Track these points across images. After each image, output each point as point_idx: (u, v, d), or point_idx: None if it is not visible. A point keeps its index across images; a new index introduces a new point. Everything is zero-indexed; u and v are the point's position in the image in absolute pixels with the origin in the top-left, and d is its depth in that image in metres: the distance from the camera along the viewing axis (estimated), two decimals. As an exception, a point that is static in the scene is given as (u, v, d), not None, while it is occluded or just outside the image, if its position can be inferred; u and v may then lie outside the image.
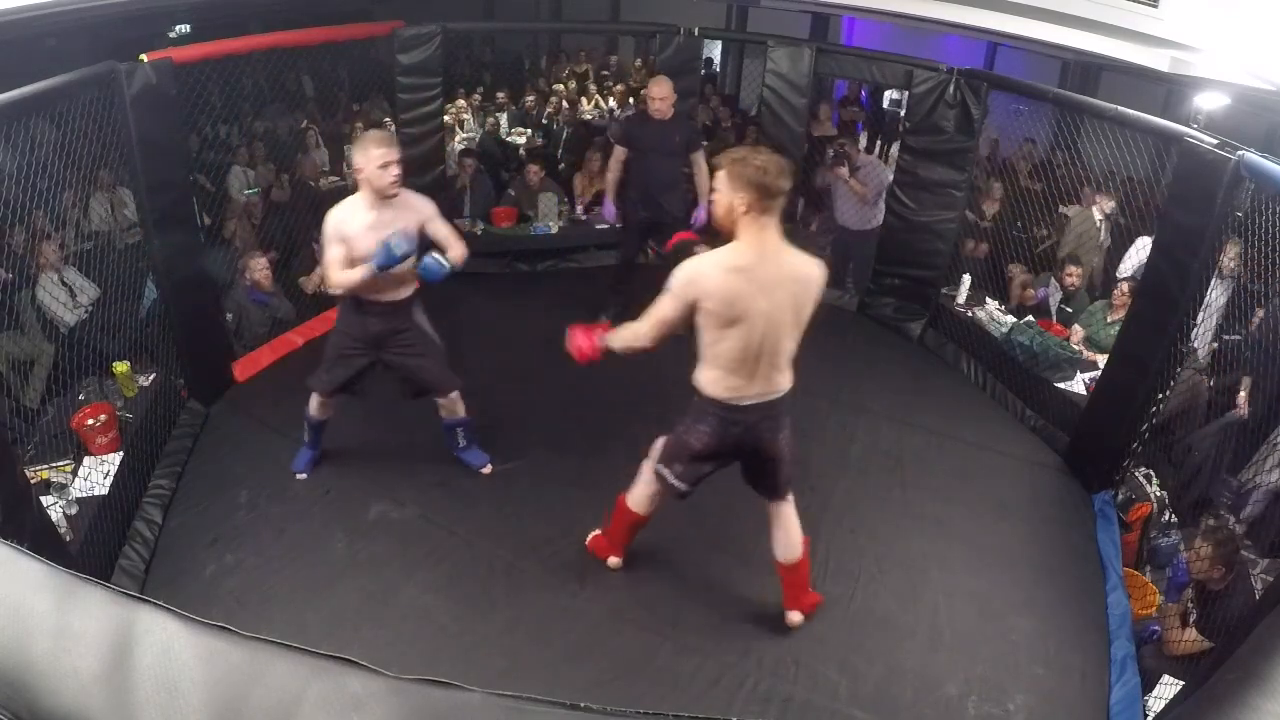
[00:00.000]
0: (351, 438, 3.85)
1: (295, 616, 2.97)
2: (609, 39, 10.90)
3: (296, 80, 7.43)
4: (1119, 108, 3.81)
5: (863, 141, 7.98)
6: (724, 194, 2.35)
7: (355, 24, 5.32)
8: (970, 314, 4.97)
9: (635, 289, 5.10)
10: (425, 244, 3.17)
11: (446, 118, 5.99)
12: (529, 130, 7.89)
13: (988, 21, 5.79)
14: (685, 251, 2.88)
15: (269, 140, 6.27)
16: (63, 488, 3.12)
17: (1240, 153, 3.09)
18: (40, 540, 2.49)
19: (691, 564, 3.22)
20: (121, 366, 3.72)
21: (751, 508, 2.92)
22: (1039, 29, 5.62)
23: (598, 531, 3.26)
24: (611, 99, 8.57)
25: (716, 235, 2.51)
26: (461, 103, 7.89)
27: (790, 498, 2.81)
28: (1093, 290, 5.12)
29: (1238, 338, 4.23)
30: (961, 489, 3.87)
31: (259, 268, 4.57)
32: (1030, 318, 4.85)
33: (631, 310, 4.90)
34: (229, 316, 4.44)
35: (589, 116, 8.25)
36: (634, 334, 2.53)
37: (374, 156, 2.92)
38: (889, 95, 8.93)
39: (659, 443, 2.80)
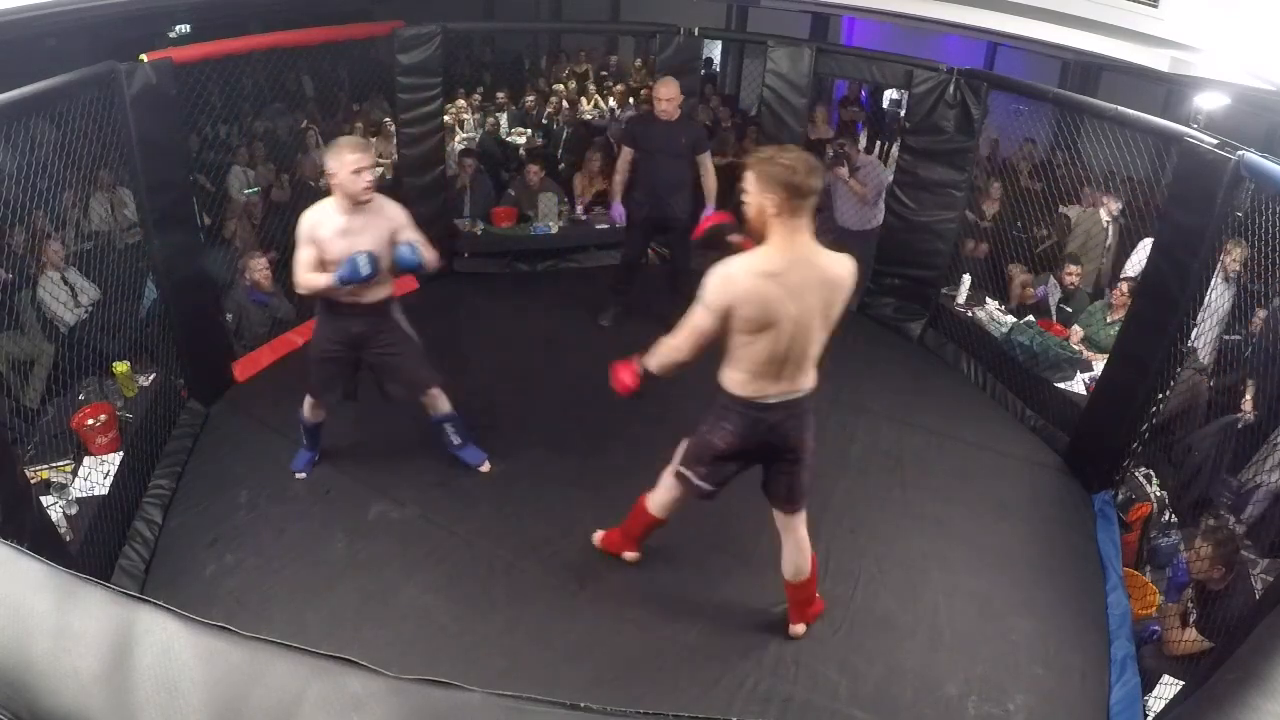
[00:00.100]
0: (351, 438, 3.85)
1: (295, 616, 2.97)
2: (609, 39, 10.90)
3: (296, 80, 7.43)
4: (1119, 108, 3.81)
5: (862, 141, 7.97)
6: (753, 195, 2.29)
7: (355, 24, 5.32)
8: (970, 314, 4.97)
9: (637, 290, 5.12)
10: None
11: (446, 118, 5.99)
12: (529, 130, 7.89)
13: (988, 21, 5.79)
14: (719, 235, 2.84)
15: (269, 140, 6.27)
16: (63, 488, 3.12)
17: (1240, 153, 3.09)
18: (40, 540, 2.49)
19: (691, 564, 3.22)
20: (121, 366, 3.72)
21: (751, 508, 2.92)
22: (1039, 29, 5.61)
23: (603, 532, 3.25)
24: (611, 99, 8.57)
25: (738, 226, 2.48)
26: (461, 103, 7.89)
27: (804, 512, 2.77)
28: (1100, 291, 5.11)
29: (1237, 338, 4.23)
30: (961, 489, 3.87)
31: (259, 268, 4.57)
32: (1030, 317, 4.85)
33: (634, 312, 4.92)
34: (229, 316, 4.44)
35: (589, 116, 8.25)
36: (670, 349, 2.47)
37: (347, 162, 2.91)
38: (889, 95, 8.93)
39: (681, 446, 2.76)
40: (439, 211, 5.55)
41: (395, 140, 5.50)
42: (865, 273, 5.44)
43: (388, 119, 6.48)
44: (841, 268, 2.37)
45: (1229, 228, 3.28)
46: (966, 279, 5.06)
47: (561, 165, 6.88)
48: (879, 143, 8.27)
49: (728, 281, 2.29)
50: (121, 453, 3.42)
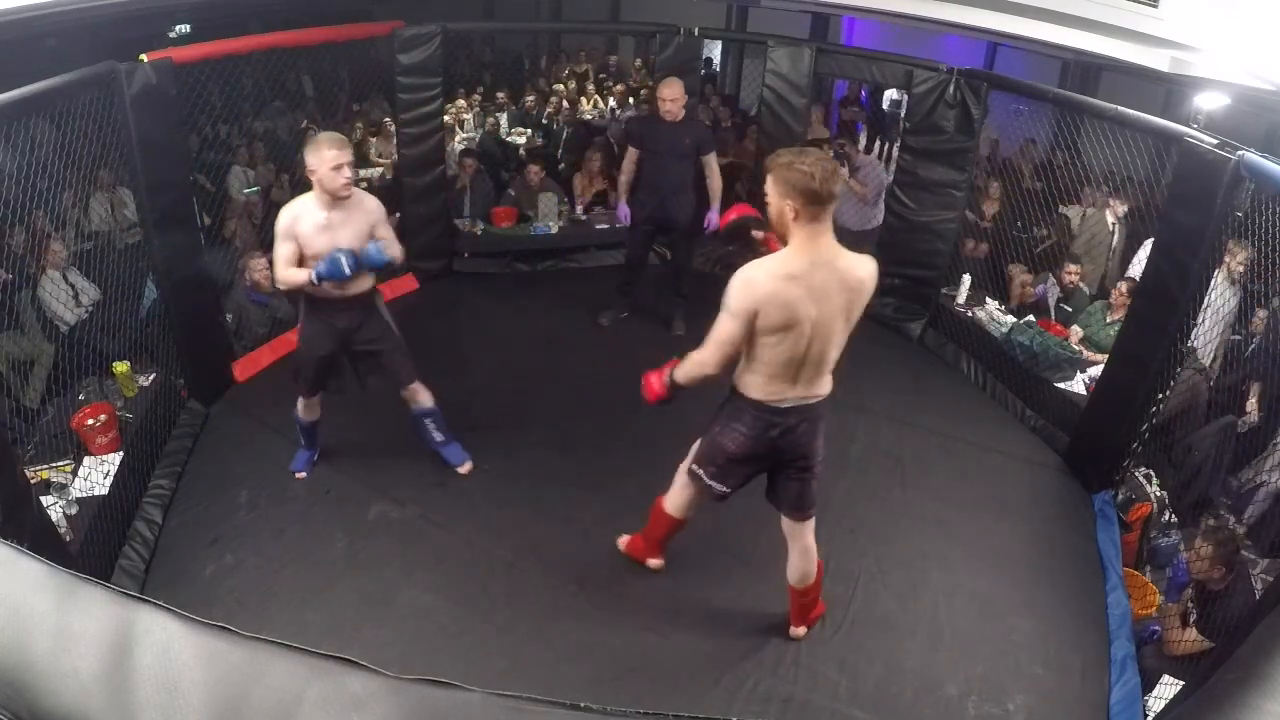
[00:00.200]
0: (351, 437, 3.85)
1: (295, 616, 2.97)
2: (609, 39, 10.90)
3: (296, 80, 7.43)
4: (1119, 108, 3.81)
5: (862, 141, 7.97)
6: (773, 200, 2.28)
7: (355, 24, 5.32)
8: (970, 314, 4.97)
9: (641, 291, 5.12)
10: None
11: (446, 118, 5.99)
12: (529, 130, 7.89)
13: (988, 21, 5.78)
14: (743, 228, 2.82)
15: (269, 140, 6.27)
16: (63, 488, 3.12)
17: (1240, 153, 3.09)
18: (40, 540, 2.49)
19: (691, 564, 3.22)
20: (121, 366, 3.72)
21: (751, 509, 2.91)
22: (1039, 29, 5.61)
23: (628, 537, 3.24)
24: (611, 99, 8.57)
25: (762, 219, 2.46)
26: (461, 103, 7.89)
27: (813, 520, 2.75)
28: (1105, 293, 5.10)
29: (1238, 338, 4.23)
30: (961, 489, 3.87)
31: (259, 268, 4.57)
32: (1030, 317, 4.86)
33: (634, 312, 4.92)
34: (229, 316, 4.44)
35: (589, 116, 8.25)
36: (698, 363, 2.44)
37: (326, 158, 2.92)
38: (889, 96, 8.92)
39: (694, 445, 2.75)
40: (439, 211, 5.56)
41: (395, 140, 5.50)
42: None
43: (388, 119, 6.48)
44: (864, 270, 2.35)
45: (1229, 228, 3.27)
46: (966, 279, 5.06)
47: (561, 165, 6.88)
48: (882, 144, 8.25)
49: (750, 285, 2.27)
50: (121, 453, 3.42)
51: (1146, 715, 2.69)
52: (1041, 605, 3.21)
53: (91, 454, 3.37)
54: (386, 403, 3.61)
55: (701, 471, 2.68)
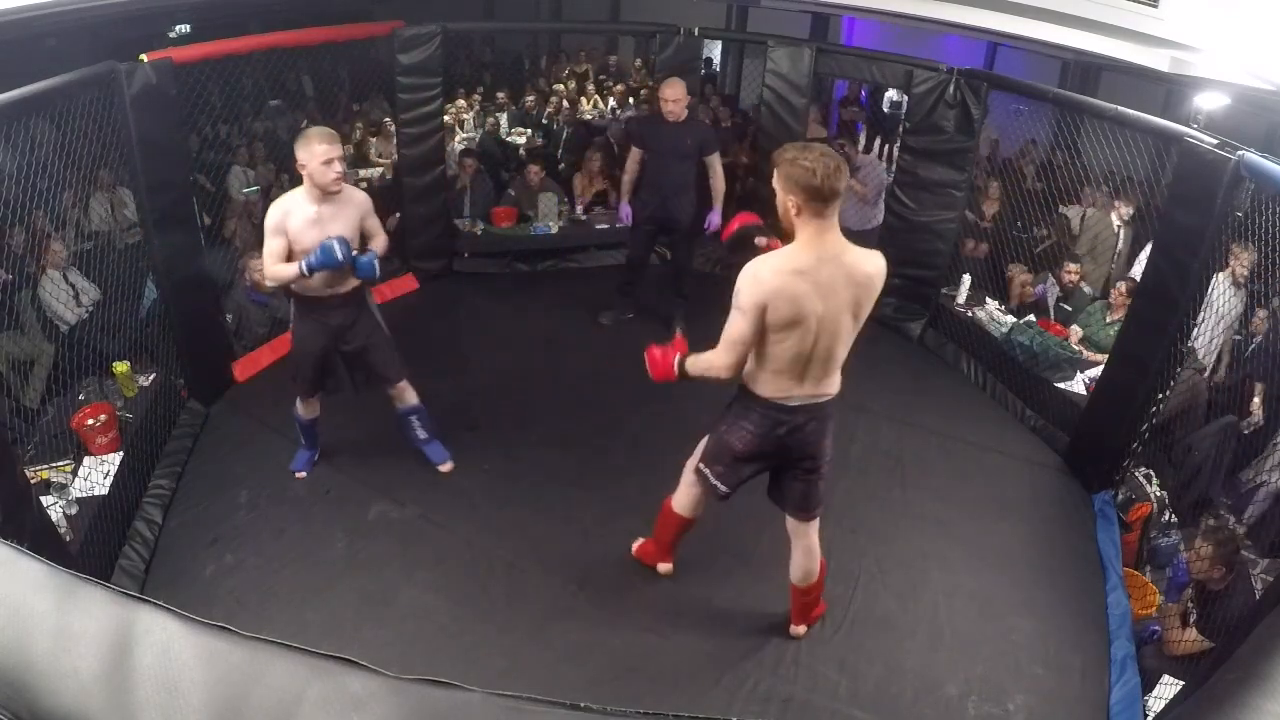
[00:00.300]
0: (351, 437, 3.85)
1: (295, 616, 2.97)
2: (609, 39, 10.89)
3: (296, 80, 7.42)
4: (1119, 108, 3.81)
5: (861, 141, 7.96)
6: (779, 195, 2.29)
7: (355, 24, 5.32)
8: (970, 314, 4.97)
9: (642, 291, 5.12)
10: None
11: (446, 118, 5.99)
12: (529, 130, 7.89)
13: (988, 21, 5.78)
14: (747, 237, 2.79)
15: (269, 140, 6.27)
16: (63, 488, 3.12)
17: (1240, 153, 3.09)
18: (40, 540, 2.49)
19: (691, 564, 3.22)
20: (121, 366, 3.72)
21: (752, 508, 2.91)
22: (1039, 29, 5.61)
23: (642, 540, 3.23)
24: (611, 99, 8.57)
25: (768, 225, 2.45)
26: (461, 103, 7.89)
27: (818, 520, 2.74)
28: (1109, 294, 5.09)
29: (1238, 338, 4.23)
30: (961, 489, 3.87)
31: (259, 268, 4.56)
32: (1031, 317, 4.86)
33: (638, 313, 4.90)
34: (229, 316, 4.44)
35: (589, 116, 8.25)
36: (710, 365, 2.41)
37: (317, 153, 2.92)
38: (888, 97, 8.92)
39: (700, 444, 2.74)
40: (439, 211, 5.55)
41: (395, 140, 5.50)
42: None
43: (388, 119, 6.48)
44: (872, 265, 2.33)
45: (1229, 228, 3.27)
46: (966, 279, 5.06)
47: (561, 165, 6.87)
48: (883, 145, 8.24)
49: (757, 281, 2.26)
50: (121, 453, 3.42)
51: (1146, 715, 2.69)
52: (1041, 605, 3.21)
53: (91, 454, 3.37)
54: (386, 403, 3.60)
55: (708, 470, 2.67)
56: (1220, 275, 3.93)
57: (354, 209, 3.13)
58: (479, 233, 5.84)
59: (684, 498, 2.87)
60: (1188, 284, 3.34)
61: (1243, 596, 2.77)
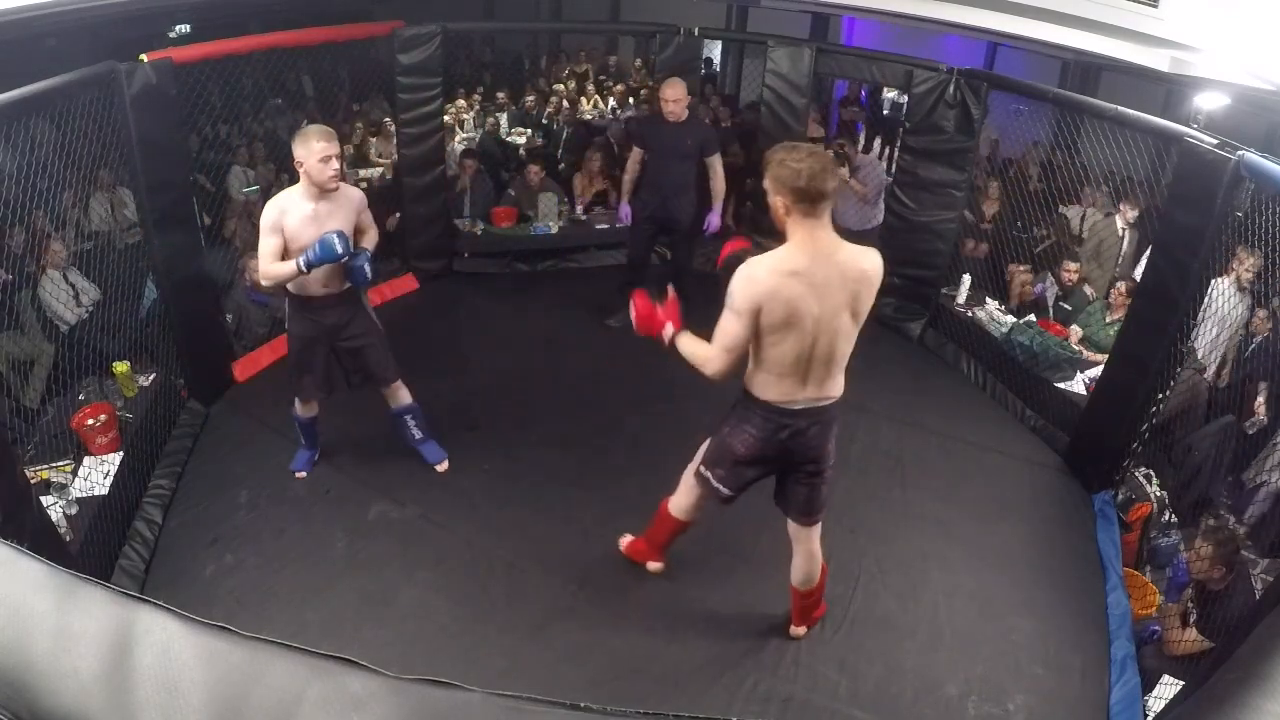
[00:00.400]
0: (351, 437, 3.85)
1: (295, 616, 2.97)
2: (609, 39, 10.89)
3: (296, 80, 7.42)
4: (1119, 108, 3.81)
5: (861, 141, 7.96)
6: (769, 196, 2.28)
7: (355, 24, 5.32)
8: (970, 314, 4.97)
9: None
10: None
11: (446, 118, 5.99)
12: (529, 130, 7.89)
13: (988, 21, 5.78)
14: (739, 262, 2.80)
15: (269, 140, 6.27)
16: (63, 488, 3.12)
17: (1240, 153, 3.09)
18: (40, 540, 2.49)
19: (691, 564, 3.22)
20: (121, 366, 3.72)
21: (752, 508, 2.91)
22: (1039, 29, 5.61)
23: (630, 537, 3.23)
24: (611, 99, 8.57)
25: (759, 244, 2.44)
26: (461, 103, 7.89)
27: (820, 523, 2.72)
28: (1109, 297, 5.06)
29: (1239, 335, 4.22)
30: (961, 489, 3.87)
31: (258, 267, 4.57)
32: (1031, 317, 4.86)
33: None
34: (229, 316, 4.44)
35: (589, 116, 8.25)
36: (699, 361, 2.39)
37: (315, 150, 2.93)
38: (889, 99, 8.91)
39: (702, 447, 2.73)
40: (439, 211, 5.55)
41: (395, 140, 5.51)
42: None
43: (388, 119, 6.48)
44: (867, 262, 2.33)
45: (1229, 228, 3.27)
46: (966, 279, 5.06)
47: (561, 165, 6.87)
48: (883, 146, 8.23)
49: (751, 282, 2.25)
50: (121, 453, 3.42)
51: (1146, 715, 2.69)
52: (1041, 605, 3.21)
53: (91, 454, 3.37)
54: (385, 403, 3.60)
55: (710, 474, 2.66)
56: (1225, 280, 3.93)
57: (350, 206, 3.14)
58: (479, 233, 5.84)
59: (682, 501, 2.86)
60: (1188, 284, 3.34)
61: (1243, 596, 2.77)
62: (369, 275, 3.17)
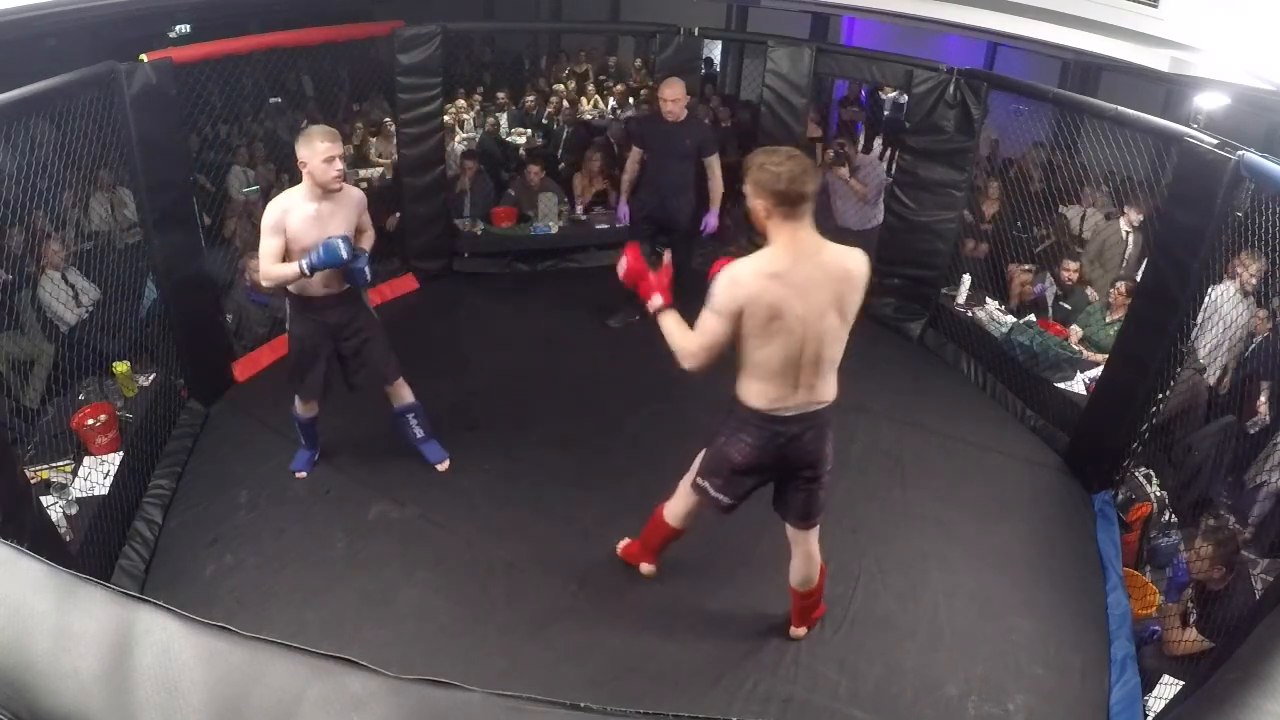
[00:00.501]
0: (351, 437, 3.85)
1: (295, 616, 2.97)
2: (609, 39, 10.90)
3: (296, 80, 7.42)
4: (1119, 108, 3.81)
5: (860, 141, 7.96)
6: (750, 199, 2.29)
7: (355, 24, 5.32)
8: (970, 314, 4.97)
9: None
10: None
11: (446, 118, 5.99)
12: (529, 130, 7.89)
13: (988, 21, 5.78)
14: None
15: (269, 140, 6.27)
16: (63, 488, 3.12)
17: (1240, 153, 3.09)
18: (40, 540, 2.49)
19: (691, 564, 3.22)
20: (121, 366, 3.72)
21: (752, 509, 2.90)
22: (1039, 29, 5.61)
23: (627, 540, 3.22)
24: (611, 99, 8.57)
25: (757, 245, 2.44)
26: (461, 103, 7.89)
27: (816, 530, 2.73)
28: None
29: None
30: (961, 489, 3.87)
31: (258, 268, 4.56)
32: (1031, 317, 4.86)
33: (647, 316, 4.89)
34: (229, 316, 4.44)
35: (589, 116, 8.25)
36: (677, 348, 2.38)
37: (319, 150, 2.92)
38: (890, 99, 8.90)
39: (699, 456, 2.72)
40: (439, 211, 5.55)
41: (395, 140, 5.51)
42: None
43: (388, 119, 6.48)
44: (851, 261, 2.33)
45: (1229, 228, 3.27)
46: (966, 279, 5.06)
47: (561, 165, 6.87)
48: (884, 147, 8.23)
49: (734, 284, 2.26)
50: (121, 453, 3.42)
51: (1146, 715, 2.69)
52: (1041, 605, 3.21)
53: (91, 454, 3.37)
54: (387, 403, 3.60)
55: (707, 484, 2.65)
56: (1229, 284, 3.92)
57: (352, 206, 3.14)
58: (479, 233, 5.84)
59: (677, 508, 2.85)
60: (1188, 284, 3.34)
61: (1243, 596, 2.77)
62: (369, 277, 3.17)
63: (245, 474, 3.68)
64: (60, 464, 3.27)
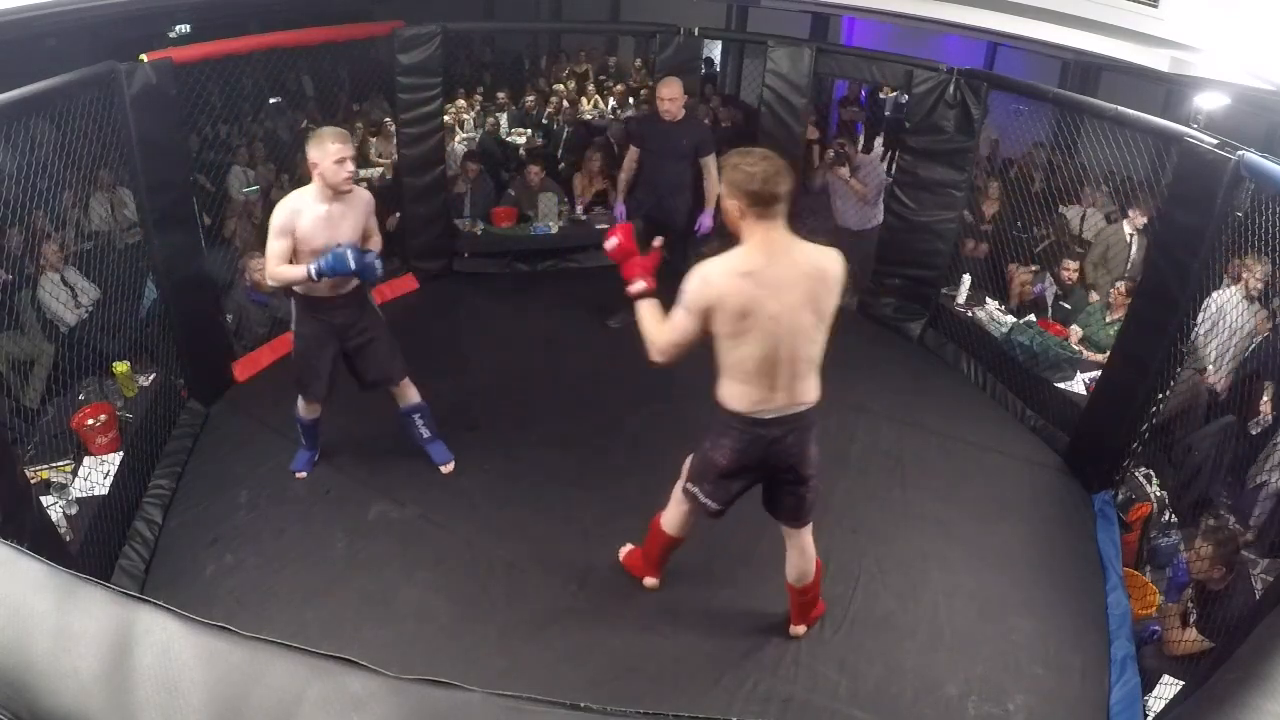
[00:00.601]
0: (351, 437, 3.85)
1: (295, 616, 2.97)
2: (609, 39, 10.90)
3: (296, 80, 7.43)
4: (1119, 108, 3.81)
5: (860, 141, 7.95)
6: (724, 199, 2.31)
7: (355, 24, 5.32)
8: (970, 314, 4.97)
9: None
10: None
11: (446, 118, 5.99)
12: (529, 130, 7.89)
13: (988, 21, 5.79)
14: None
15: (269, 140, 6.27)
16: (63, 488, 3.12)
17: (1240, 153, 3.09)
18: (40, 540, 2.49)
19: (691, 564, 3.22)
20: (121, 366, 3.72)
21: (752, 509, 2.90)
22: (1039, 29, 5.61)
23: (630, 547, 3.22)
24: (611, 99, 8.57)
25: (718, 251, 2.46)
26: (461, 103, 7.89)
27: (809, 526, 2.73)
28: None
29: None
30: (961, 489, 3.87)
31: (259, 268, 4.56)
32: (1031, 317, 4.85)
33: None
34: (229, 316, 4.44)
35: (589, 116, 8.25)
36: (652, 340, 2.40)
37: (330, 151, 2.93)
38: (892, 99, 8.90)
39: (687, 461, 2.73)
40: (439, 211, 5.56)
41: (395, 140, 5.51)
42: (865, 273, 5.46)
43: (388, 119, 6.48)
44: (825, 260, 2.33)
45: (1229, 228, 3.27)
46: (966, 279, 5.06)
47: (561, 165, 6.87)
48: (888, 152, 8.22)
49: (705, 283, 2.27)
50: (121, 453, 3.42)
51: (1146, 715, 2.69)
52: (1041, 605, 3.21)
53: (91, 454, 3.37)
54: (387, 403, 3.61)
55: (696, 489, 2.65)
56: (1234, 290, 3.91)
57: (362, 208, 3.16)
58: (479, 233, 5.84)
59: (672, 516, 2.85)
60: (1188, 284, 3.34)
61: (1243, 596, 2.77)
62: (379, 271, 3.16)
63: (245, 474, 3.68)
64: (60, 464, 3.27)
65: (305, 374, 3.35)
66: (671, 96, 4.49)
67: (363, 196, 3.18)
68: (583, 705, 0.71)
